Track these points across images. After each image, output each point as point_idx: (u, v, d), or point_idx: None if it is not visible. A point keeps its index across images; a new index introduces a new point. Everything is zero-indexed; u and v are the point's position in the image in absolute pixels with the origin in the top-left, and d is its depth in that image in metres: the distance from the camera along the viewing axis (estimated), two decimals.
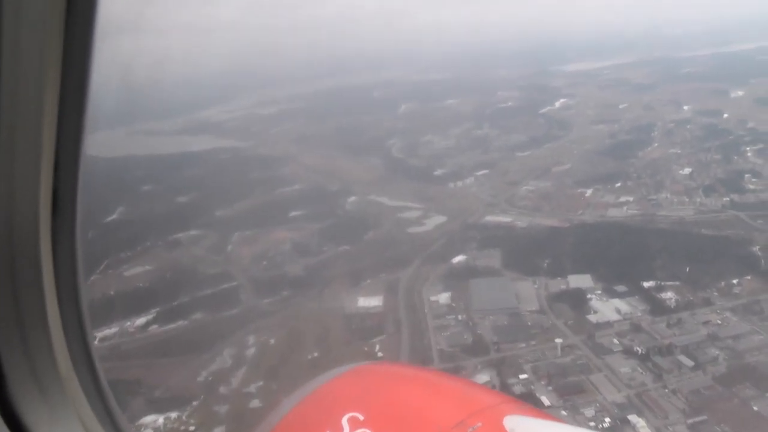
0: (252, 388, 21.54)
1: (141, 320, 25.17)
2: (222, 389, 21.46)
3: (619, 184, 35.67)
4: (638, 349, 21.79)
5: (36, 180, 1.55)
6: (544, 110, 55.63)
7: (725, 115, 48.60)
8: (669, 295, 24.65)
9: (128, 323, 24.88)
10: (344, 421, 2.31)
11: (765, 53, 74.61)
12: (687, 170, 36.67)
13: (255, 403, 20.75)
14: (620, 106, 54.95)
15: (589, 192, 34.97)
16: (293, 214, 33.64)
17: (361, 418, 2.33)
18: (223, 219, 32.95)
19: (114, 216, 29.26)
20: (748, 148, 39.60)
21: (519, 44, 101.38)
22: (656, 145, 42.29)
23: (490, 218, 33.30)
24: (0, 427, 1.63)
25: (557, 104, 57.90)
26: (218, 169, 40.33)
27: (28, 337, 1.68)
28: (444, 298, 25.60)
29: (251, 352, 23.17)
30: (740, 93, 56.35)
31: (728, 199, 32.61)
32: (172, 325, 25.08)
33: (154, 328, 24.94)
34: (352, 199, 36.69)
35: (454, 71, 77.52)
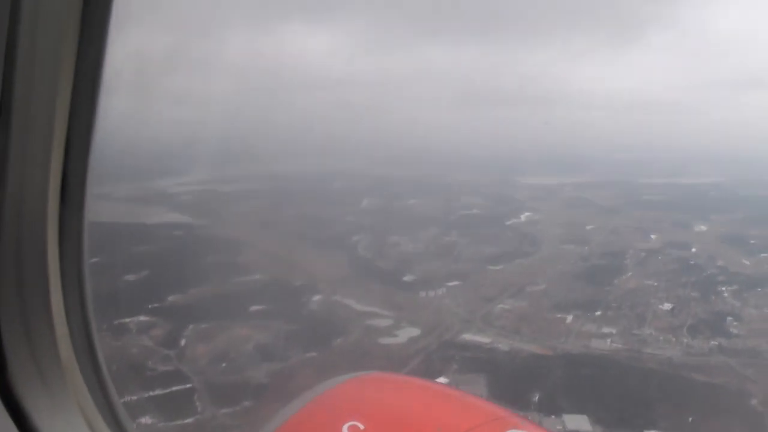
0: None
1: None
2: None
3: (599, 313, 34.03)
4: None
5: (46, 168, 1.63)
6: (510, 222, 54.47)
7: (693, 250, 48.25)
8: None
9: None
10: (344, 429, 2.30)
11: (716, 189, 76.25)
12: (667, 306, 35.33)
13: None
14: (587, 227, 54.26)
15: (569, 318, 33.15)
16: (254, 308, 30.64)
17: (362, 427, 2.34)
18: (177, 306, 29.78)
19: None
20: (723, 288, 38.68)
21: (478, 150, 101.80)
22: (630, 274, 41.05)
23: (468, 337, 30.97)
24: (1, 413, 1.64)
25: (522, 217, 56.91)
26: (172, 247, 37.10)
27: (31, 324, 1.74)
28: None
29: None
30: (703, 228, 56.52)
31: (716, 343, 31.19)
32: None
33: None
34: (318, 297, 33.96)
35: (416, 170, 76.60)
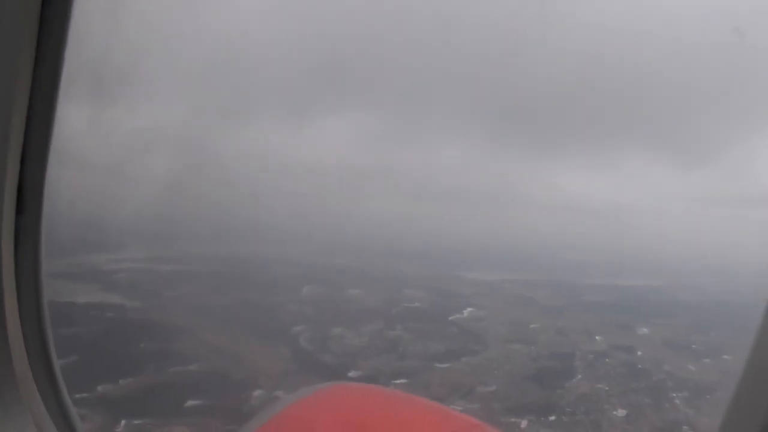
0: None
1: None
2: None
3: (553, 418, 32.82)
4: None
5: (2, 176, 1.68)
6: (453, 317, 53.42)
7: (639, 353, 47.96)
8: None
9: None
10: None
11: (654, 292, 77.40)
12: (622, 412, 34.36)
13: None
14: (531, 326, 53.66)
15: (523, 423, 31.84)
16: (191, 403, 28.35)
17: None
18: (107, 398, 27.25)
19: None
20: (674, 395, 38.07)
21: (418, 242, 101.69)
22: (580, 377, 40.10)
23: None
24: None
25: (465, 313, 55.94)
26: (104, 331, 34.56)
27: None
28: None
29: None
30: (645, 330, 56.66)
31: None
32: None
33: None
34: (258, 393, 31.72)
35: (357, 259, 75.49)
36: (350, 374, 36.85)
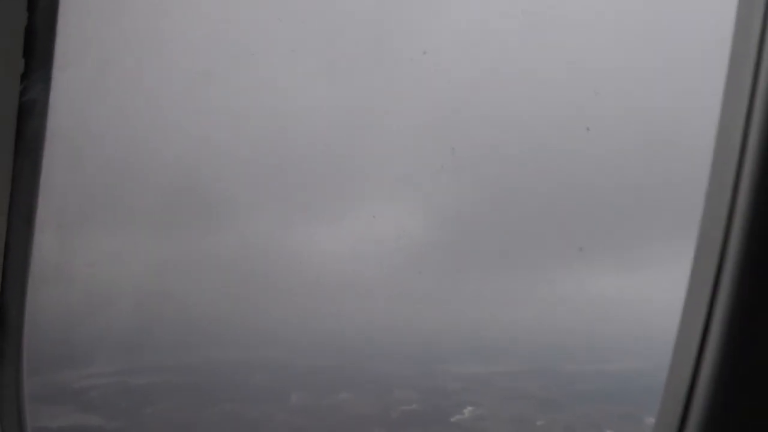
0: None
1: None
2: None
3: None
4: None
5: None
6: (455, 419, 50.15)
7: None
8: None
9: None
10: None
11: (643, 376, 75.31)
12: None
13: None
14: (538, 423, 50.65)
15: None
16: None
17: None
18: None
19: None
20: None
21: (396, 335, 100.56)
22: None
23: None
24: None
25: (466, 412, 52.77)
26: None
27: None
28: None
29: None
30: (652, 420, 54.55)
31: None
32: None
33: None
34: None
35: (341, 359, 72.77)
36: None
